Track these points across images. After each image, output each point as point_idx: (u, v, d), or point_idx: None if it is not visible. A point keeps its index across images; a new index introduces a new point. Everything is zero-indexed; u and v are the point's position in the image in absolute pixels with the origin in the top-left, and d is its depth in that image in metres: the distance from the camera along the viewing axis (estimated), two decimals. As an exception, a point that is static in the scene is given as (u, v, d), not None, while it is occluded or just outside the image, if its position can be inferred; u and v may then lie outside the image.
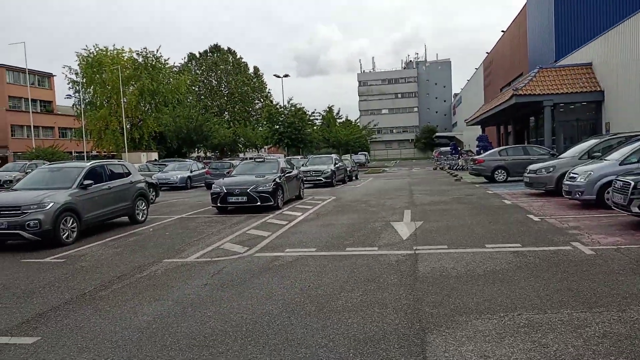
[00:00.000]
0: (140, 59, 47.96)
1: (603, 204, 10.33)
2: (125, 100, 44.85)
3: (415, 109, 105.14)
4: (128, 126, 46.38)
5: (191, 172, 26.30)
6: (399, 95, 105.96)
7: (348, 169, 27.11)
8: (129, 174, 12.14)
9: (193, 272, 6.85)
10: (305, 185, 20.17)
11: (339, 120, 57.62)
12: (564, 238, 7.83)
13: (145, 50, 48.04)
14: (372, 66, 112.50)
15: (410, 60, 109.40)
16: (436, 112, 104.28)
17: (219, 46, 71.98)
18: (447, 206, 12.98)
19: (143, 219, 12.26)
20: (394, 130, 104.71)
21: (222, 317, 4.85)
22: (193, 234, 10.11)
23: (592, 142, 14.25)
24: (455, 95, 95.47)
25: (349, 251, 7.73)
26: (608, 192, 9.66)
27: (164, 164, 30.34)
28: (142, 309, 5.24)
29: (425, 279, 5.88)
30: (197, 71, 70.40)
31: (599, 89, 23.23)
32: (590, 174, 10.84)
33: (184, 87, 51.06)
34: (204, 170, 26.98)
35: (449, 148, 45.57)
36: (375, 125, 68.45)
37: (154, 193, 17.16)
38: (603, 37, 22.94)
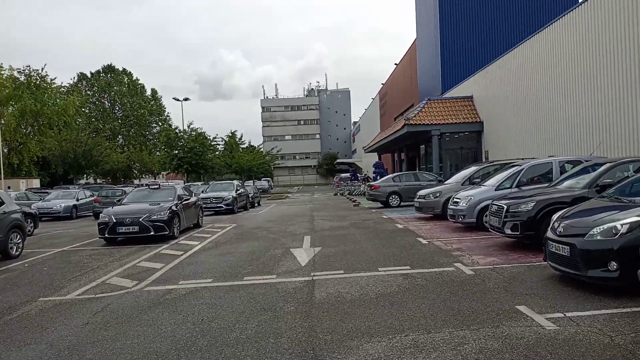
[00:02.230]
0: (22, 78, 43.90)
1: (482, 226, 11.29)
2: (2, 122, 40.58)
3: (318, 136, 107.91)
4: (5, 150, 41.90)
5: (77, 200, 24.38)
6: (302, 122, 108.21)
7: (250, 195, 26.93)
8: (1, 203, 10.92)
9: (72, 311, 6.26)
10: (206, 213, 19.65)
11: (242, 146, 57.18)
12: (448, 260, 8.40)
13: (28, 68, 44.11)
14: (275, 92, 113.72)
15: (312, 89, 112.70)
16: (337, 139, 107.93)
17: (113, 66, 68.46)
18: (345, 231, 13.35)
19: (17, 253, 11.03)
20: (297, 157, 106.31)
21: (103, 360, 4.47)
22: (75, 269, 9.29)
23: (472, 169, 15.63)
24: (355, 123, 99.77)
25: (247, 280, 7.59)
26: (486, 216, 10.59)
27: (47, 192, 27.77)
28: (9, 356, 4.67)
29: (321, 305, 5.94)
30: (88, 92, 66.05)
31: (479, 120, 25.71)
32: (471, 198, 11.85)
33: (72, 109, 47.41)
34: (93, 198, 25.12)
35: (349, 174, 47.23)
36: (278, 151, 68.92)
37: (32, 224, 15.60)
38: (482, 72, 25.56)
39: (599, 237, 5.71)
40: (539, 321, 4.88)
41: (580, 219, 6.35)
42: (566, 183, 9.53)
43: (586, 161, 10.61)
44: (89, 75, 67.49)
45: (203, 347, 4.67)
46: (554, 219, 6.76)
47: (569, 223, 6.32)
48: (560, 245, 6.15)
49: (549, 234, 6.55)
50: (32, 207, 19.29)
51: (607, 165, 8.98)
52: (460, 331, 4.74)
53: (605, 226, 5.73)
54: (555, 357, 3.99)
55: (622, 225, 5.58)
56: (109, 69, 68.13)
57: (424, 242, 10.62)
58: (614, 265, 5.49)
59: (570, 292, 5.90)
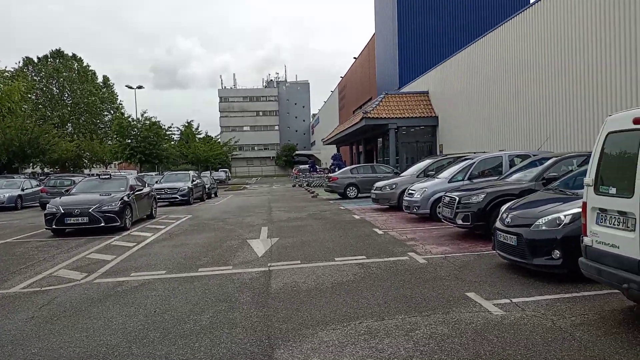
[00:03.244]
0: (-40, 59, 41.18)
1: (436, 217, 11.59)
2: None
3: (276, 127, 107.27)
4: (-59, 137, 39.29)
5: (22, 190, 23.22)
6: (260, 113, 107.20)
7: (207, 186, 26.48)
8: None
9: (17, 304, 5.98)
10: (160, 204, 19.18)
11: (198, 136, 56.03)
12: (402, 249, 8.60)
13: (-33, 49, 41.37)
14: (233, 83, 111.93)
15: (272, 80, 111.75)
16: (296, 130, 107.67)
17: (62, 51, 65.17)
18: (303, 222, 13.38)
19: (-45, 245, 10.41)
20: (255, 148, 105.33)
21: (50, 354, 4.30)
22: (20, 261, 8.87)
23: (427, 162, 16.01)
24: (314, 115, 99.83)
25: (202, 272, 7.48)
26: (439, 207, 10.88)
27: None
28: (-56, 354, 4.41)
29: (277, 295, 5.95)
30: (35, 78, 62.68)
31: (434, 115, 26.28)
32: (425, 190, 12.14)
33: (17, 95, 44.91)
34: (39, 188, 23.98)
35: (307, 166, 47.26)
36: (236, 142, 68.03)
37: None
38: (438, 68, 26.11)
39: (544, 228, 6.00)
40: (487, 307, 5.08)
41: (527, 210, 6.63)
42: (515, 176, 9.92)
43: (534, 155, 11.08)
44: (35, 60, 64.09)
45: (155, 339, 4.58)
46: (503, 210, 7.03)
47: (517, 214, 6.59)
48: (508, 235, 6.42)
49: (498, 224, 6.81)
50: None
51: (553, 159, 9.42)
52: (412, 317, 4.87)
53: (550, 217, 6.02)
54: (501, 340, 4.16)
55: (565, 216, 5.88)
56: (58, 53, 64.86)
57: (380, 232, 10.80)
58: (557, 253, 5.78)
59: (516, 279, 6.16)
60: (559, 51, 14.64)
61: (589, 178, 4.76)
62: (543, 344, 4.05)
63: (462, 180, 11.74)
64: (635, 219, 4.09)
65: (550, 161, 9.37)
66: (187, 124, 54.33)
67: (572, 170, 8.32)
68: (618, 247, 4.30)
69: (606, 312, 4.83)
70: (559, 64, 14.71)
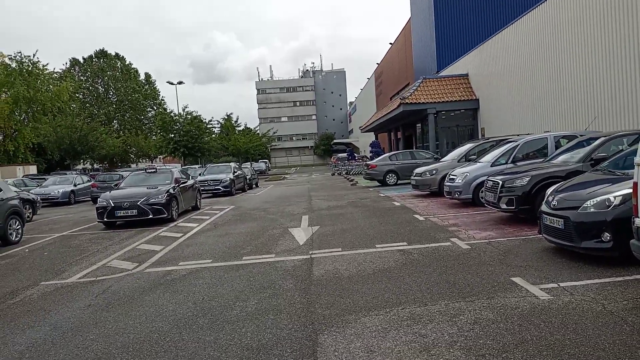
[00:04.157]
0: (14, 64, 43.35)
1: (478, 202, 11.36)
2: (-4, 109, 40.20)
3: (314, 117, 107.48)
4: (0, 137, 41.67)
5: (75, 185, 24.37)
6: (297, 104, 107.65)
7: (248, 177, 26.94)
8: (-2, 190, 10.94)
9: (74, 293, 6.34)
10: (204, 196, 19.69)
11: (238, 129, 57.02)
12: (445, 235, 8.50)
13: (19, 54, 43.49)
14: (270, 74, 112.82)
15: (307, 70, 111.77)
16: (333, 119, 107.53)
17: (106, 51, 67.63)
18: (342, 210, 13.43)
19: (17, 239, 11.09)
20: (293, 138, 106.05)
21: (107, 339, 4.55)
22: (76, 253, 9.36)
23: (468, 146, 15.65)
24: (351, 103, 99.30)
25: (246, 260, 7.67)
26: (482, 192, 10.65)
27: (44, 178, 27.72)
28: (14, 339, 4.74)
29: (320, 282, 6.03)
30: (82, 77, 65.35)
31: (474, 98, 25.61)
32: (467, 175, 11.90)
33: (66, 95, 47.01)
34: (90, 183, 25.11)
35: (346, 154, 47.22)
36: (274, 133, 68.74)
37: (30, 210, 15.64)
38: (477, 50, 25.38)
39: (592, 210, 5.79)
40: (533, 292, 4.98)
41: (574, 192, 6.41)
42: (561, 158, 9.57)
43: (581, 136, 10.63)
44: (81, 60, 66.75)
45: (204, 325, 4.75)
46: (549, 193, 6.82)
47: (563, 196, 6.38)
48: (555, 218, 6.23)
49: (544, 207, 6.62)
50: (30, 192, 19.26)
51: (602, 139, 9.01)
52: (456, 303, 4.83)
53: (599, 199, 5.80)
54: (548, 325, 4.08)
55: (615, 197, 5.65)
56: (102, 53, 67.34)
57: (421, 218, 10.70)
58: (607, 236, 5.58)
59: (564, 263, 5.99)
60: (604, 26, 13.92)
61: (640, 157, 4.55)
62: (593, 329, 3.95)
63: (506, 163, 11.43)
64: (692, 198, 3.90)
65: (598, 141, 8.97)
66: (226, 117, 55.42)
67: (622, 150, 7.94)
68: (673, 228, 4.11)
69: (661, 296, 4.63)
70: (604, 40, 13.99)
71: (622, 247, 5.36)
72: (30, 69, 44.14)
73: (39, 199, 18.22)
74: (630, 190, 5.45)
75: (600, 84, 14.42)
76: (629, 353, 3.49)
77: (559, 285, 5.14)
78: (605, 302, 4.55)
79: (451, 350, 3.76)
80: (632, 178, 4.73)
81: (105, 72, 66.19)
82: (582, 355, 3.50)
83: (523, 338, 3.87)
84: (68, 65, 65.19)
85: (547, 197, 6.72)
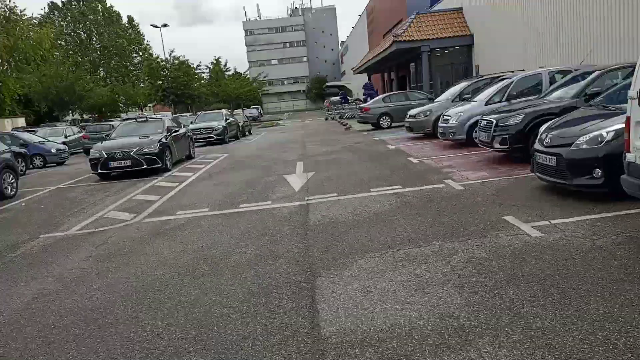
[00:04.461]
0: (-10, 11, 41.44)
1: (472, 142, 11.34)
2: (-25, 60, 38.89)
3: (305, 59, 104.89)
4: (-17, 90, 40.58)
5: (66, 137, 24.05)
6: (288, 45, 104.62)
7: (240, 124, 26.71)
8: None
9: (74, 245, 6.43)
10: (197, 144, 19.59)
11: (227, 73, 55.73)
12: (439, 177, 8.57)
13: (-6, -1, 41.46)
14: (257, 14, 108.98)
15: (296, 7, 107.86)
16: (325, 61, 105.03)
17: (85, -7, 64.55)
18: (337, 155, 13.43)
19: (12, 193, 11.09)
20: (285, 82, 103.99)
21: (110, 289, 4.67)
22: (72, 205, 9.41)
23: (462, 85, 15.44)
24: (342, 43, 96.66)
25: (243, 208, 7.74)
26: (476, 131, 10.63)
27: (33, 130, 27.31)
28: (19, 290, 4.86)
29: (316, 227, 6.13)
30: (62, 23, 62.77)
31: (469, 33, 24.95)
32: (460, 115, 11.83)
33: (47, 42, 45.25)
34: (81, 134, 24.81)
35: (339, 97, 46.58)
36: (265, 77, 67.34)
37: (23, 164, 15.55)
38: (471, -17, 24.45)
39: (585, 146, 5.81)
40: (525, 229, 5.10)
41: (567, 129, 6.41)
42: (555, 94, 9.48)
43: (575, 70, 10.48)
44: (60, 4, 63.86)
45: (205, 272, 4.87)
46: (542, 131, 6.82)
47: (556, 134, 6.39)
48: (547, 156, 6.27)
49: (537, 145, 6.64)
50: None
51: (596, 73, 8.88)
52: (450, 243, 4.95)
53: (591, 134, 5.81)
54: (540, 262, 4.21)
55: (607, 132, 5.66)
56: (81, -4, 64.31)
57: (415, 161, 10.75)
58: (598, 172, 5.64)
59: (556, 200, 6.10)
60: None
61: (634, 90, 4.51)
62: (582, 264, 4.08)
63: (500, 101, 11.33)
64: (685, 133, 3.91)
65: (592, 75, 8.84)
66: (215, 61, 53.97)
67: (616, 84, 7.87)
68: (664, 164, 4.15)
69: (649, 230, 4.76)
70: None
71: (613, 183, 5.43)
72: (7, 15, 42.29)
73: (28, 153, 18.05)
74: (623, 125, 5.45)
75: (596, 14, 14.04)
76: (615, 286, 3.62)
77: (550, 222, 5.26)
78: (595, 237, 4.67)
79: (445, 288, 3.89)
80: (626, 112, 4.72)
81: (87, 16, 63.44)
82: (572, 289, 3.64)
83: (514, 274, 4.00)
84: (47, 11, 62.49)
85: (540, 135, 6.73)
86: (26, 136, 20.40)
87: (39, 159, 18.98)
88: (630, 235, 4.63)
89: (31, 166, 17.87)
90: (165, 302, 4.20)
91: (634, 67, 4.65)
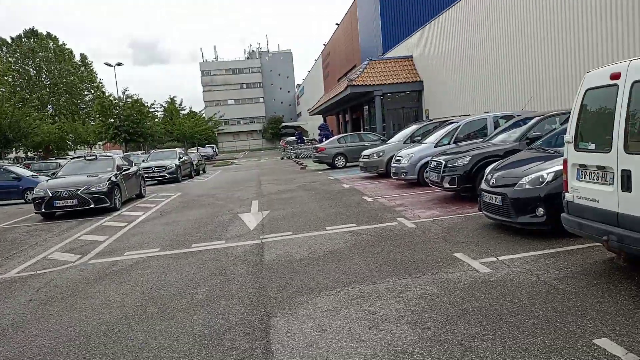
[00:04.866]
0: None
1: (423, 182, 11.72)
2: None
3: (261, 99, 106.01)
4: None
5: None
6: (244, 86, 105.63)
7: (194, 162, 26.39)
8: None
9: (13, 288, 6.04)
10: (149, 183, 19.15)
11: (182, 112, 55.32)
12: (392, 215, 8.75)
13: (-64, 33, 39.84)
14: (215, 55, 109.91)
15: (253, 50, 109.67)
16: (281, 102, 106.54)
17: (36, 30, 63.21)
18: (292, 194, 13.47)
19: (-55, 234, 10.35)
20: (241, 122, 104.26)
21: (51, 334, 4.39)
22: (12, 246, 8.88)
23: (413, 127, 16.05)
24: (299, 85, 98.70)
25: (195, 247, 7.57)
26: (426, 172, 11.00)
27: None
28: (-54, 340, 4.48)
29: (271, 266, 6.07)
30: (10, 59, 60.92)
31: (418, 79, 26.18)
32: (412, 156, 12.24)
33: (-7, 78, 43.84)
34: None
35: (294, 137, 47.09)
36: (221, 117, 67.33)
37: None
38: (420, 32, 25.85)
39: (527, 186, 6.14)
40: (475, 266, 5.26)
41: (510, 170, 6.77)
42: (499, 137, 10.03)
43: (517, 116, 11.17)
44: (9, 40, 62.14)
45: (153, 315, 4.68)
46: (487, 172, 7.16)
47: (501, 174, 6.73)
48: (493, 195, 6.57)
49: (483, 185, 6.95)
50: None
51: (536, 119, 9.52)
52: (403, 280, 5.02)
53: (533, 175, 6.16)
54: (488, 297, 4.33)
55: (547, 174, 6.02)
56: (32, 33, 62.91)
57: (369, 200, 10.93)
58: (541, 211, 5.95)
59: (502, 238, 6.34)
60: (537, 11, 14.58)
61: (569, 135, 4.87)
62: (528, 298, 4.23)
63: (448, 144, 11.84)
64: (614, 172, 4.23)
65: (533, 120, 9.47)
66: (170, 100, 53.57)
67: (554, 129, 8.43)
68: (597, 201, 4.45)
69: (588, 265, 5.02)
70: (538, 24, 14.67)
71: (555, 221, 5.74)
72: (-49, 49, 40.68)
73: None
74: (562, 167, 5.82)
75: (536, 65, 15.14)
76: (559, 318, 3.78)
77: (497, 258, 5.45)
78: (540, 272, 4.88)
79: (398, 325, 3.92)
80: (563, 155, 5.05)
81: (37, 53, 61.93)
82: (519, 322, 3.76)
83: (465, 309, 4.10)
84: (-6, 46, 60.58)
85: (486, 176, 7.06)
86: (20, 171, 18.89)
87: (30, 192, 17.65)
88: (572, 270, 4.87)
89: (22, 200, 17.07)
90: (111, 347, 4.00)
91: (570, 113, 5.03)
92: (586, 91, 4.75)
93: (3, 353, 4.05)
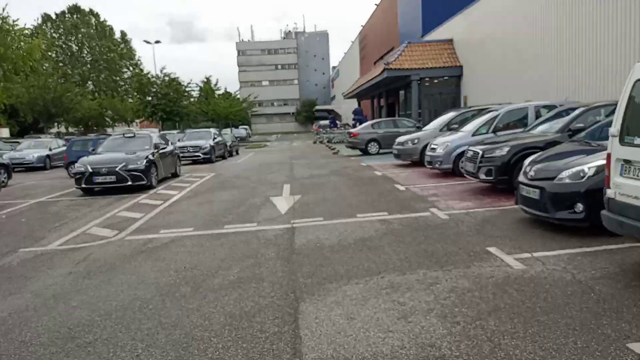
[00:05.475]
0: (-17, 19, 41.24)
1: (459, 172, 11.51)
2: (-37, 68, 38.49)
3: (296, 82, 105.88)
4: (-31, 98, 40.09)
5: (50, 150, 23.83)
6: (279, 67, 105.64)
7: (228, 144, 26.70)
8: (-29, 154, 10.64)
9: (55, 260, 6.32)
10: (183, 162, 19.50)
11: (217, 92, 55.83)
12: (424, 205, 8.64)
13: (-13, 8, 41.31)
14: (251, 35, 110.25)
15: (290, 31, 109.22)
16: (316, 84, 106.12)
17: (79, 7, 64.66)
18: (324, 179, 13.48)
19: (-7, 204, 10.89)
20: (275, 104, 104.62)
21: (89, 307, 4.59)
22: (54, 219, 9.27)
23: (450, 114, 15.72)
24: (334, 67, 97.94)
25: (228, 229, 7.70)
26: (462, 161, 10.79)
27: (17, 142, 27.02)
28: (-6, 307, 4.74)
29: (301, 251, 6.12)
30: (54, 35, 62.70)
31: (458, 64, 25.50)
32: (448, 144, 12.01)
33: (38, 53, 44.85)
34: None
35: (328, 122, 46.99)
36: (255, 98, 67.69)
37: (5, 175, 15.31)
38: (462, 15, 25.07)
39: (567, 180, 5.95)
40: (508, 261, 5.15)
41: (550, 163, 6.56)
42: (540, 128, 9.72)
43: (560, 106, 10.78)
44: (53, 16, 63.92)
45: (187, 293, 4.82)
46: (526, 164, 6.96)
47: (540, 167, 6.53)
48: (531, 189, 6.39)
49: (521, 178, 6.77)
50: (4, 157, 18.79)
51: (580, 109, 9.16)
52: (434, 272, 4.98)
53: (574, 169, 5.96)
54: (521, 294, 4.25)
55: (589, 168, 5.81)
56: (75, 9, 64.41)
57: (402, 188, 10.84)
58: (580, 207, 5.76)
59: (538, 233, 6.19)
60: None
61: (615, 128, 4.67)
62: (562, 297, 4.13)
63: (486, 133, 11.55)
64: (662, 173, 4.03)
65: (577, 111, 9.12)
66: (205, 80, 54.06)
67: (599, 121, 8.11)
68: (642, 201, 4.27)
69: (627, 266, 4.85)
70: (587, 9, 14.00)
71: (594, 218, 5.54)
72: (0, 24, 42.13)
73: (10, 163, 17.74)
74: (604, 162, 5.60)
75: (582, 53, 14.51)
76: (594, 319, 3.68)
77: (532, 255, 5.33)
78: (575, 271, 4.75)
79: (427, 317, 3.90)
80: (607, 149, 4.86)
81: (79, 29, 63.49)
82: (551, 321, 3.68)
83: (497, 306, 4.04)
84: (40, 21, 62.44)
85: (525, 168, 6.86)
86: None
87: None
88: (610, 271, 4.72)
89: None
90: (145, 323, 4.14)
91: (616, 105, 4.81)
92: (635, 82, 4.53)
93: (45, 322, 4.26)
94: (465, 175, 10.09)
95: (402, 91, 32.10)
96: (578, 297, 4.11)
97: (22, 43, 45.08)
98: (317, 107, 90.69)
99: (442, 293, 4.39)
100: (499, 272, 4.84)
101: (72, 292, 5.04)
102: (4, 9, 43.94)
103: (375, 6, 51.19)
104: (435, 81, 26.50)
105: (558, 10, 15.76)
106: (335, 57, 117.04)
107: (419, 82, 26.01)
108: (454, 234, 6.50)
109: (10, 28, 43.71)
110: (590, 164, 5.85)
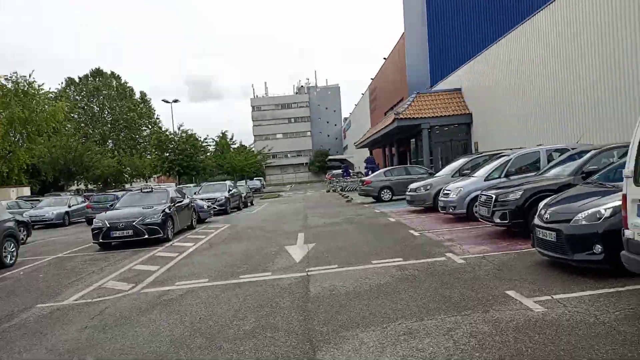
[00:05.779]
0: (10, 85, 43.34)
1: (472, 216, 11.43)
2: (-10, 131, 40.08)
3: (309, 133, 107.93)
4: (-6, 159, 41.50)
5: (69, 206, 24.26)
6: (292, 120, 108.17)
7: (243, 195, 26.97)
8: (-7, 212, 10.92)
9: (70, 316, 6.33)
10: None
11: (233, 146, 57.07)
12: (440, 250, 8.55)
13: (15, 74, 43.51)
14: (265, 91, 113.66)
15: (302, 86, 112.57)
16: (328, 135, 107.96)
17: (101, 70, 67.85)
18: (338, 227, 13.46)
19: (12, 262, 11.03)
20: (288, 155, 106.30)
21: (104, 361, 4.56)
22: (71, 275, 9.33)
23: (462, 160, 15.79)
24: (345, 119, 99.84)
25: (243, 278, 7.68)
26: (476, 206, 10.74)
27: (38, 200, 27.63)
28: (10, 362, 4.73)
29: (317, 299, 6.06)
30: (77, 97, 65.49)
31: (467, 112, 25.88)
32: (461, 190, 12.01)
33: (61, 115, 46.95)
34: (85, 204, 25.03)
35: (340, 170, 47.36)
36: (269, 150, 68.89)
37: (24, 233, 15.58)
38: (469, 65, 25.72)
39: (584, 222, 5.88)
40: (528, 304, 5.03)
41: (566, 205, 6.51)
42: (553, 171, 9.70)
43: (572, 149, 10.78)
44: (77, 80, 66.97)
45: (202, 345, 4.77)
46: (541, 207, 6.91)
47: (555, 210, 6.48)
48: (547, 232, 6.31)
49: (537, 220, 6.71)
50: (24, 215, 19.19)
51: (592, 152, 9.15)
52: (452, 317, 4.87)
53: (590, 211, 5.90)
54: (543, 337, 4.13)
55: (605, 209, 5.75)
56: (97, 72, 67.57)
57: (416, 234, 10.76)
58: (598, 248, 5.66)
59: (557, 275, 6.06)
60: (596, 40, 14.22)
61: (628, 169, 4.67)
62: (586, 339, 4.00)
63: (499, 177, 11.55)
64: (678, 209, 3.99)
65: (589, 154, 9.11)
66: (221, 135, 55.41)
67: (612, 163, 8.08)
68: (661, 239, 4.20)
69: (653, 307, 4.70)
70: (596, 54, 14.27)
71: (614, 259, 5.44)
72: (25, 89, 44.19)
73: (30, 221, 18.09)
74: (620, 202, 5.55)
75: (592, 96, 14.66)
76: (621, 363, 3.54)
77: (552, 297, 5.20)
78: (598, 313, 4.61)
79: (447, 364, 3.79)
80: (622, 190, 4.83)
81: (101, 91, 66.29)
82: (576, 366, 3.55)
83: (518, 350, 3.92)
84: (64, 85, 65.42)
85: (540, 211, 6.81)
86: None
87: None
88: (634, 311, 4.57)
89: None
90: (160, 375, 4.09)
91: (628, 146, 4.83)
92: (646, 123, 4.57)
93: (60, 377, 4.23)
94: (479, 219, 10.01)
95: (413, 139, 32.44)
96: (603, 339, 3.98)
97: (46, 106, 47.14)
98: (330, 157, 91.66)
99: (462, 338, 4.29)
100: (519, 316, 4.72)
101: (86, 347, 5.02)
102: (30, 75, 46.29)
103: (384, 60, 52.78)
104: (446, 129, 26.81)
105: (564, 56, 16.09)
106: (347, 108, 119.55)
107: (429, 130, 26.35)
108: (471, 278, 6.39)
109: (36, 92, 45.90)
110: (606, 205, 5.80)
